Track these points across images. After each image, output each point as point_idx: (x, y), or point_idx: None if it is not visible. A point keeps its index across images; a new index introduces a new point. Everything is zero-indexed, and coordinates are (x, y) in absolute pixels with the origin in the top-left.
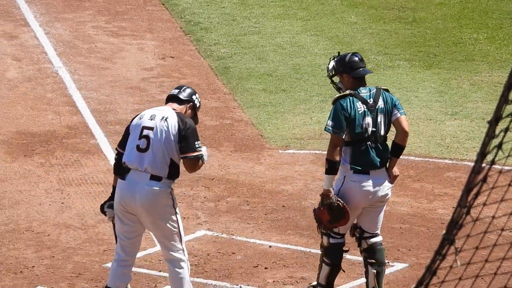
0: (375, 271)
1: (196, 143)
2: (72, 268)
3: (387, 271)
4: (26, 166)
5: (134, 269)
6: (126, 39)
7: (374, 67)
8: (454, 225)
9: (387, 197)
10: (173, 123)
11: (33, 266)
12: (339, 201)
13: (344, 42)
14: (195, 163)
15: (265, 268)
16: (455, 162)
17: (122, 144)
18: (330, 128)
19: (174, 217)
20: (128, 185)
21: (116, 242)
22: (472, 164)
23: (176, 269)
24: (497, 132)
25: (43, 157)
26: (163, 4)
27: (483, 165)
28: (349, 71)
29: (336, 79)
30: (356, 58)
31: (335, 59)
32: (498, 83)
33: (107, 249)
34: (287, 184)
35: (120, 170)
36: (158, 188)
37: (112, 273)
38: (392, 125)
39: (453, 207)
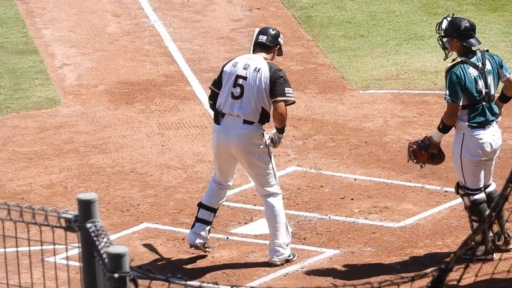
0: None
1: (286, 89)
2: (174, 205)
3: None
4: (128, 112)
5: (231, 204)
6: None
7: (444, 12)
8: None
9: (499, 149)
10: (265, 75)
11: (138, 204)
12: (442, 153)
13: None
14: (283, 109)
15: (351, 199)
16: None
17: (216, 84)
18: (449, 98)
19: (267, 155)
20: (223, 129)
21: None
22: None
23: (271, 202)
24: None
25: (144, 104)
26: None
27: None
28: (462, 39)
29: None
30: (471, 27)
31: (449, 21)
32: None
33: (205, 186)
34: (368, 121)
35: (215, 115)
36: (250, 130)
37: (209, 192)
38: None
39: None
